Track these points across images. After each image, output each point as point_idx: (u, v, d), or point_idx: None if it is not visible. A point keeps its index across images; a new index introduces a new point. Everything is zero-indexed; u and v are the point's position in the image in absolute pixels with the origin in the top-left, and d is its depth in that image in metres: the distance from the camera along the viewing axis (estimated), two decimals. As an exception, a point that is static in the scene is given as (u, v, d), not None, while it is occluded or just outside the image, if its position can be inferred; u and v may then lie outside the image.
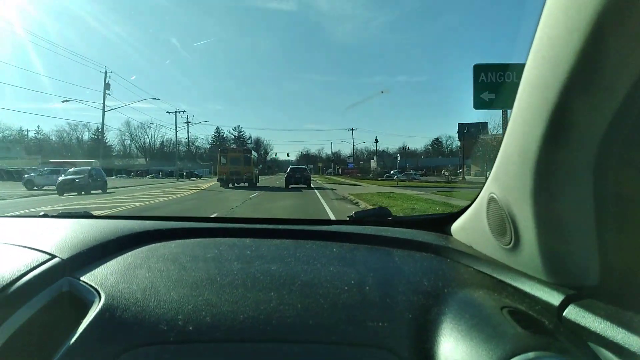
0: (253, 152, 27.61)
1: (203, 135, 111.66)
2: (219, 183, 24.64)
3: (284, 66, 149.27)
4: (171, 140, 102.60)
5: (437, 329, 0.66)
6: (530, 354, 0.54)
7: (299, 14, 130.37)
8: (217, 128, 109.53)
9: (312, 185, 24.33)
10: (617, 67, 0.52)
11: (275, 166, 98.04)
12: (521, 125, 0.69)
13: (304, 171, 24.85)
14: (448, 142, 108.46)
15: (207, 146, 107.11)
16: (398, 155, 35.12)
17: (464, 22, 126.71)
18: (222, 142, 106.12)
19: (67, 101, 33.92)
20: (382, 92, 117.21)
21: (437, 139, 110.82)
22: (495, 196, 0.83)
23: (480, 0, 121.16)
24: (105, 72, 30.95)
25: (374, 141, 57.30)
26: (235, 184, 24.40)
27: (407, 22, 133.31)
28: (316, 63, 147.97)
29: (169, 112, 45.91)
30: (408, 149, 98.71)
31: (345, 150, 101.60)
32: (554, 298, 0.67)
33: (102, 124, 31.76)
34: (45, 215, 1.38)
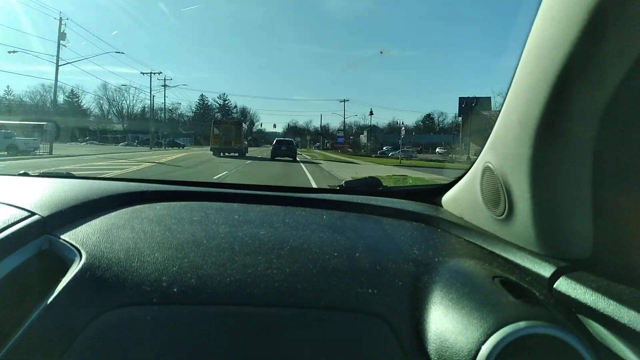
0: (244, 125, 29.11)
1: (186, 102, 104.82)
2: (212, 152, 25.82)
3: (273, 36, 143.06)
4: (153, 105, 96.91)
5: (428, 297, 0.66)
6: (521, 324, 0.54)
7: None
8: (202, 95, 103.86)
9: (297, 159, 24.05)
10: (632, 25, 0.50)
11: (262, 138, 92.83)
12: (524, 91, 0.67)
13: (290, 144, 24.90)
14: (440, 119, 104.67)
15: (191, 114, 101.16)
16: (403, 129, 29.74)
17: None
18: (206, 111, 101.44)
19: (13, 52, 27.92)
20: (381, 52, 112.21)
21: (428, 115, 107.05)
22: (490, 165, 0.82)
23: None
24: (60, 19, 25.07)
25: (369, 113, 51.69)
26: (226, 154, 25.60)
27: None
28: (307, 34, 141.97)
29: (143, 73, 39.73)
30: (402, 123, 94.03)
31: (334, 123, 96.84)
32: (545, 270, 0.66)
33: (56, 79, 26.17)
34: (25, 174, 1.30)
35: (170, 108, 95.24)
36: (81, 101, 78.58)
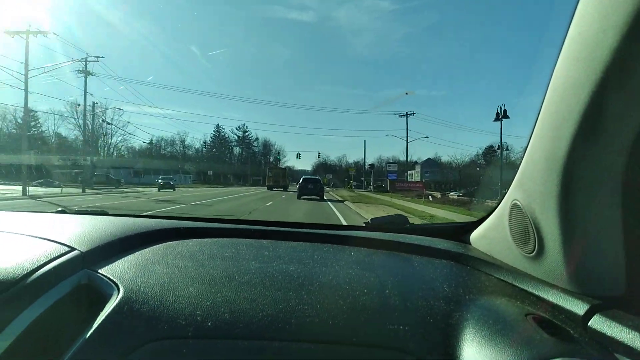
0: (287, 169, 45.11)
1: (201, 135, 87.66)
2: (266, 188, 37.07)
3: (302, 77, 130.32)
4: (161, 139, 79.43)
5: (460, 334, 0.64)
6: None
7: (318, 25, 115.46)
8: (218, 126, 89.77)
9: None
10: None
11: (290, 176, 73.47)
12: (550, 129, 0.66)
13: (317, 182, 23.89)
14: (505, 152, 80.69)
15: (204, 148, 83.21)
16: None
17: (484, 35, 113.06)
18: (223, 143, 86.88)
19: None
20: (406, 93, 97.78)
21: (490, 146, 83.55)
22: (519, 203, 0.80)
23: (502, 14, 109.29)
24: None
25: (496, 118, 27.36)
26: (275, 189, 35.47)
27: (425, 36, 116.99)
28: (335, 75, 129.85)
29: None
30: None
31: (368, 159, 75.59)
32: (579, 307, 0.65)
33: None
34: (63, 211, 1.35)
35: (177, 140, 78.59)
36: (40, 126, 58.68)
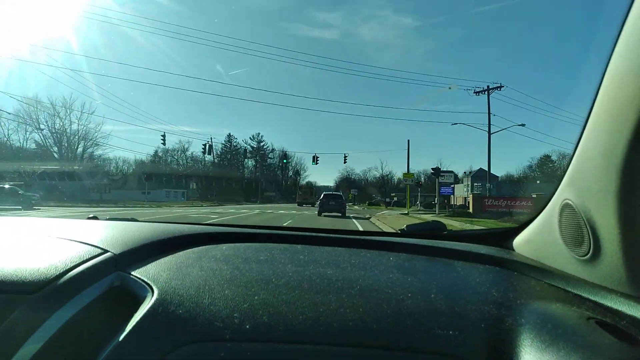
0: (314, 188, 52.96)
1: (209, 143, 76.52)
2: (297, 204, 41.57)
3: (325, 92, 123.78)
4: (166, 151, 68.47)
5: (515, 339, 0.60)
6: None
7: (342, 42, 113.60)
8: (229, 135, 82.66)
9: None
10: None
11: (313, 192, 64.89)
12: (607, 121, 0.63)
13: (339, 198, 22.09)
14: (562, 161, 67.00)
15: (211, 159, 72.46)
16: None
17: (504, 53, 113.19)
18: (234, 155, 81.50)
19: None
20: (449, 88, 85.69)
21: (547, 156, 69.97)
22: (570, 202, 0.76)
23: (522, 34, 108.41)
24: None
25: None
26: (304, 205, 39.89)
27: (449, 51, 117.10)
28: (359, 90, 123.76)
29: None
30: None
31: (397, 173, 63.37)
32: None
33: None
34: (95, 218, 1.36)
35: (179, 150, 67.60)
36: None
